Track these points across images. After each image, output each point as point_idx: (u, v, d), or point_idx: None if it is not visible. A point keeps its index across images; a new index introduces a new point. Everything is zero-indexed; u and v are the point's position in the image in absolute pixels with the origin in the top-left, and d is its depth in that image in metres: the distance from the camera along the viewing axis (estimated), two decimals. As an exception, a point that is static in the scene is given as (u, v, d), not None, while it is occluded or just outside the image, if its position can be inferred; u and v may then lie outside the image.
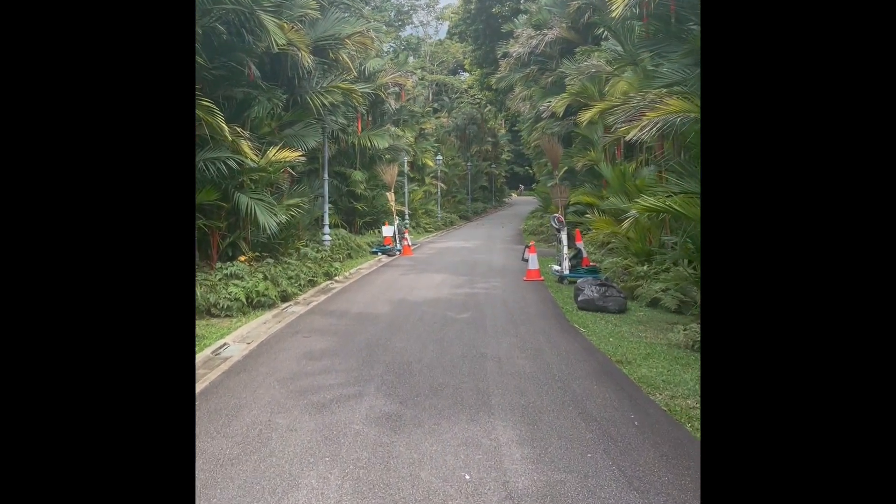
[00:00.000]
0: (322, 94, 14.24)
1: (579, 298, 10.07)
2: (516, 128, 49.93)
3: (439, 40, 65.34)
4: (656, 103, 8.10)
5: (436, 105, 48.28)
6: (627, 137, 9.00)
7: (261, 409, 5.51)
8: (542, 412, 5.24)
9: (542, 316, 9.57)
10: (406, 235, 20.87)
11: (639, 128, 8.06)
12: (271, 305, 10.73)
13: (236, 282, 10.57)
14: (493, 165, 54.85)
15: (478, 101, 51.21)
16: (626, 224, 8.21)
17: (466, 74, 59.25)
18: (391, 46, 47.07)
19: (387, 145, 22.65)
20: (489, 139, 52.53)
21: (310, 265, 13.70)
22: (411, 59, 47.32)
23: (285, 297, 11.39)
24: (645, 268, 11.19)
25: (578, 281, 10.60)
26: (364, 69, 21.61)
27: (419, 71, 41.72)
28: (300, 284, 12.32)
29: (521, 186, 79.36)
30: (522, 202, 64.13)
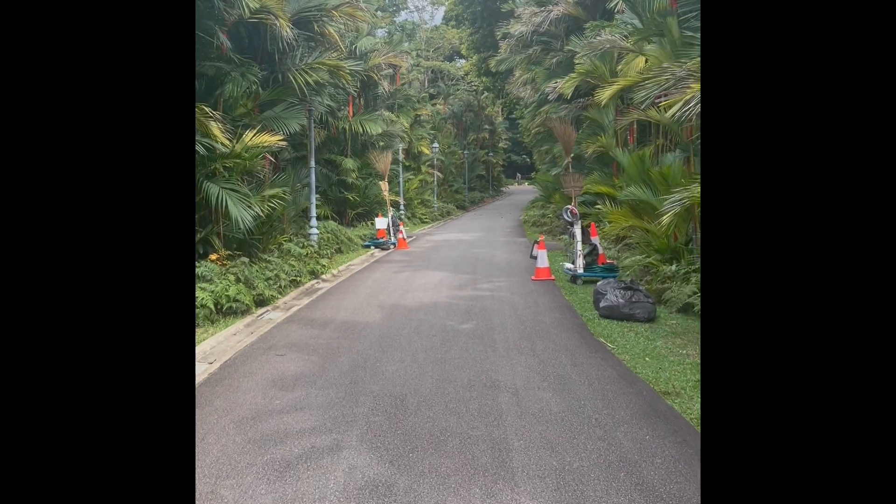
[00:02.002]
0: (306, 72, 12.72)
1: (601, 305, 8.67)
2: (514, 115, 48.43)
3: (435, 26, 63.64)
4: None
5: (432, 90, 46.63)
6: (668, 115, 7.58)
7: (205, 470, 4.11)
8: (585, 482, 3.84)
9: (559, 326, 8.16)
10: (401, 227, 19.43)
11: (681, 102, 6.62)
12: (245, 312, 9.31)
13: (204, 285, 9.13)
14: (491, 154, 53.40)
15: (475, 87, 49.52)
16: (666, 218, 6.82)
17: (463, 61, 57.58)
18: (385, 31, 45.36)
19: (380, 131, 21.08)
20: (486, 127, 51.09)
21: (293, 263, 12.26)
22: (406, 44, 45.63)
23: (262, 302, 9.97)
24: (673, 267, 9.77)
25: (599, 283, 9.20)
26: (355, 48, 20.07)
27: (414, 53, 40.04)
28: (280, 286, 10.89)
29: (519, 175, 78.11)
30: (520, 191, 62.86)
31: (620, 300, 8.52)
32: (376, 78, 21.80)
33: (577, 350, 6.94)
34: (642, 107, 10.11)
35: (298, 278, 11.88)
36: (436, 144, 32.62)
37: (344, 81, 14.40)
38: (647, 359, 6.60)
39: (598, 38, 14.24)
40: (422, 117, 33.98)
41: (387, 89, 23.53)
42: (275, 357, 6.94)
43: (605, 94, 12.17)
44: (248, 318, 9.08)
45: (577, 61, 15.98)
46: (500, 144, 59.55)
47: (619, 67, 14.99)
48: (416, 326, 8.24)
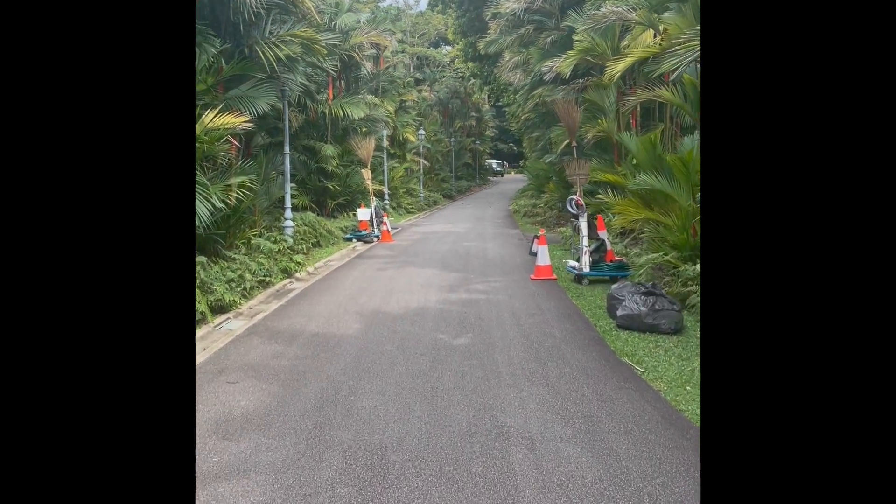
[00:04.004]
0: (276, 45, 11.25)
1: (619, 313, 7.37)
2: (500, 103, 46.97)
3: (420, 12, 61.98)
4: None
5: (418, 75, 45.04)
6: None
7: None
8: None
9: (573, 342, 6.85)
10: (385, 219, 18.04)
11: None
12: (200, 321, 7.92)
13: (150, 290, 7.73)
14: (477, 142, 52.00)
15: (461, 74, 48.00)
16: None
17: (449, 48, 55.99)
18: (370, 14, 43.61)
19: (362, 115, 19.58)
20: (473, 114, 49.71)
21: (262, 261, 10.87)
22: (390, 24, 43.94)
23: (222, 308, 8.60)
24: (696, 266, 8.49)
25: (614, 287, 7.91)
26: (335, 25, 18.57)
27: (399, 35, 38.36)
28: (245, 288, 9.51)
29: (506, 164, 76.96)
30: (507, 180, 61.70)
31: (642, 308, 7.23)
32: (358, 58, 20.30)
33: (600, 376, 5.62)
34: (673, 76, 8.78)
35: (268, 278, 10.52)
36: (422, 131, 31.17)
37: (320, 58, 12.93)
38: (688, 388, 5.31)
39: (601, 10, 12.90)
40: (407, 103, 32.47)
41: (370, 70, 22.02)
42: (225, 385, 5.58)
43: (617, 68, 10.84)
44: (202, 330, 7.71)
45: (576, 38, 14.60)
46: (487, 132, 58.22)
47: (625, 43, 13.65)
48: (400, 341, 6.90)
